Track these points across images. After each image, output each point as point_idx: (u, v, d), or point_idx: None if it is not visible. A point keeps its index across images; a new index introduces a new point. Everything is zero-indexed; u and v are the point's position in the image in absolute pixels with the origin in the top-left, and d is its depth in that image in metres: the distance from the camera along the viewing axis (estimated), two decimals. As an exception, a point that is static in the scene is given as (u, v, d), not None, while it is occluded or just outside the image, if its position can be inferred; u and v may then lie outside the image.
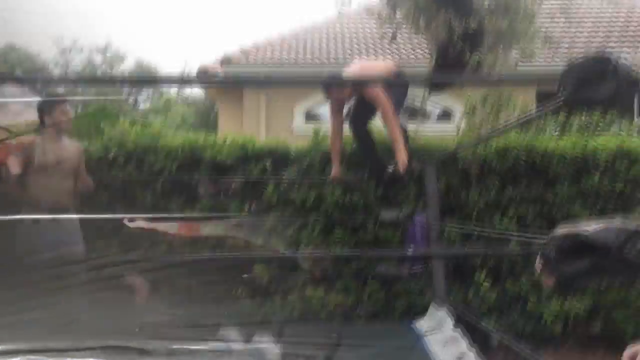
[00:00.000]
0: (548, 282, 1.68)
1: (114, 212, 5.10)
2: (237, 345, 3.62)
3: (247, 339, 3.67)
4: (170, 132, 11.35)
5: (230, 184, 5.26)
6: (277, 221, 5.15)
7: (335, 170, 4.95)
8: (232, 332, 3.72)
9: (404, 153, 4.46)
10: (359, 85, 4.45)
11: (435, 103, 11.00)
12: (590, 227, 1.59)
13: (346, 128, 4.94)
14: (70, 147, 4.48)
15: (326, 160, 5.10)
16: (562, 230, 1.63)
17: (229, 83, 7.09)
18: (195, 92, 26.54)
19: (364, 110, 4.77)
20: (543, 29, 7.60)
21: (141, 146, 5.24)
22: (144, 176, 5.11)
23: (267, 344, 3.58)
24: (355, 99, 4.82)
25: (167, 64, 41.12)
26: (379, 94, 4.44)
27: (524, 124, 5.18)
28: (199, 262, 4.39)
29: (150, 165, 5.17)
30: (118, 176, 5.09)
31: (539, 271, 1.68)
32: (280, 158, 5.31)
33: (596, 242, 1.53)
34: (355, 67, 4.87)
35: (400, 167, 4.48)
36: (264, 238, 5.14)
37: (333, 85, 4.57)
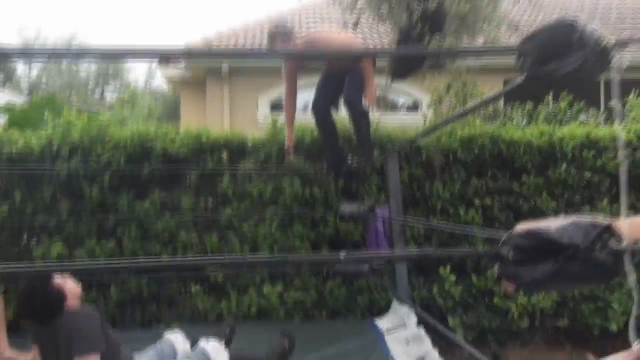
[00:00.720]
0: (509, 288, 1.45)
1: (57, 207, 4.79)
2: (182, 348, 3.36)
3: (193, 342, 3.41)
4: (127, 123, 10.96)
5: (183, 177, 4.97)
6: (233, 216, 4.88)
7: (288, 139, 4.59)
8: (179, 336, 3.46)
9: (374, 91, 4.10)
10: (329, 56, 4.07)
11: (405, 94, 10.80)
12: (555, 223, 1.36)
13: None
14: None
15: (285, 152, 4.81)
16: (521, 228, 1.39)
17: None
18: (162, 84, 26.02)
19: (329, 91, 4.41)
20: (509, 16, 7.44)
21: (88, 138, 4.90)
22: (90, 169, 4.79)
23: (214, 347, 3.32)
24: (321, 75, 4.45)
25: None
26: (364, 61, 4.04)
27: (485, 106, 4.95)
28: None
29: (97, 158, 4.84)
30: (62, 169, 4.76)
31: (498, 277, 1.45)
32: (236, 149, 5.04)
33: (562, 241, 1.30)
34: (323, 35, 4.42)
35: (370, 102, 4.06)
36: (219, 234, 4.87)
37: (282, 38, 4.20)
